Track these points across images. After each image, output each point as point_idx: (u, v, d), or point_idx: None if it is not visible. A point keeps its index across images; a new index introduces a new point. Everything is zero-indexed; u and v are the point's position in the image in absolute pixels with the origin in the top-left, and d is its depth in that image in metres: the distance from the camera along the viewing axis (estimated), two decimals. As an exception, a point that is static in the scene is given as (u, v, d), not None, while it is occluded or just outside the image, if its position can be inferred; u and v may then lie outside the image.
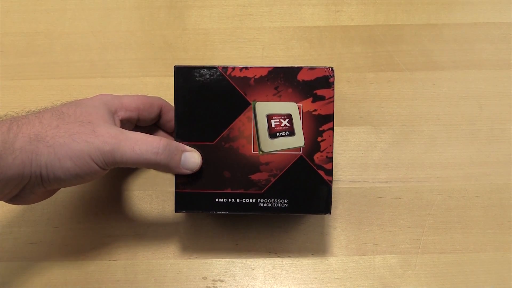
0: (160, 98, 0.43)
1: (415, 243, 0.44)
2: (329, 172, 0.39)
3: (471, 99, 0.51)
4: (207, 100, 0.38)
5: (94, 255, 0.43)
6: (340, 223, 0.45)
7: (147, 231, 0.44)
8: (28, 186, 0.35)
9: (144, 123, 0.42)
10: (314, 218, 0.45)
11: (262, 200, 0.40)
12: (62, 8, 0.59)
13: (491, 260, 0.43)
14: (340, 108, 0.51)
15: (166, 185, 0.44)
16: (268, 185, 0.40)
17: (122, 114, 0.40)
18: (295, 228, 0.44)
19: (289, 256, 0.43)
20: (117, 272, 0.43)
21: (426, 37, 0.56)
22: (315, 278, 0.42)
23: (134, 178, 0.46)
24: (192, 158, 0.38)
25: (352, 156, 0.48)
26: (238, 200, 0.40)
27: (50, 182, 0.35)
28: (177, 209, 0.40)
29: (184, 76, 0.37)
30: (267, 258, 0.43)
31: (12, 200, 0.36)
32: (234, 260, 0.43)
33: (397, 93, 0.52)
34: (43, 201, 0.41)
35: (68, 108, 0.37)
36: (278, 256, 0.43)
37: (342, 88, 0.52)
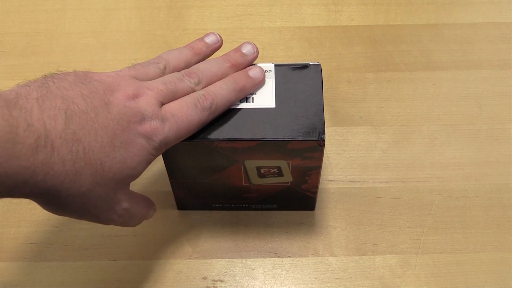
0: None
1: (415, 243, 0.44)
2: (315, 193, 0.43)
3: (471, 99, 0.51)
4: (195, 157, 0.38)
5: (94, 255, 0.43)
6: (340, 223, 0.45)
7: (147, 231, 0.44)
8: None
9: None
10: (314, 218, 0.45)
11: (254, 206, 0.44)
12: (62, 8, 0.59)
13: (491, 260, 0.43)
14: (340, 108, 0.51)
15: (166, 185, 0.44)
16: (259, 199, 0.43)
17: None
18: (295, 228, 0.44)
19: (289, 256, 0.43)
20: (117, 272, 0.43)
21: (426, 37, 0.56)
22: (315, 278, 0.42)
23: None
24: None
25: (352, 156, 0.48)
26: (233, 205, 0.44)
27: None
28: (179, 208, 0.45)
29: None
30: (267, 258, 0.43)
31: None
32: (234, 260, 0.43)
33: (397, 93, 0.52)
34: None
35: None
36: (278, 256, 0.43)
37: (342, 88, 0.52)
